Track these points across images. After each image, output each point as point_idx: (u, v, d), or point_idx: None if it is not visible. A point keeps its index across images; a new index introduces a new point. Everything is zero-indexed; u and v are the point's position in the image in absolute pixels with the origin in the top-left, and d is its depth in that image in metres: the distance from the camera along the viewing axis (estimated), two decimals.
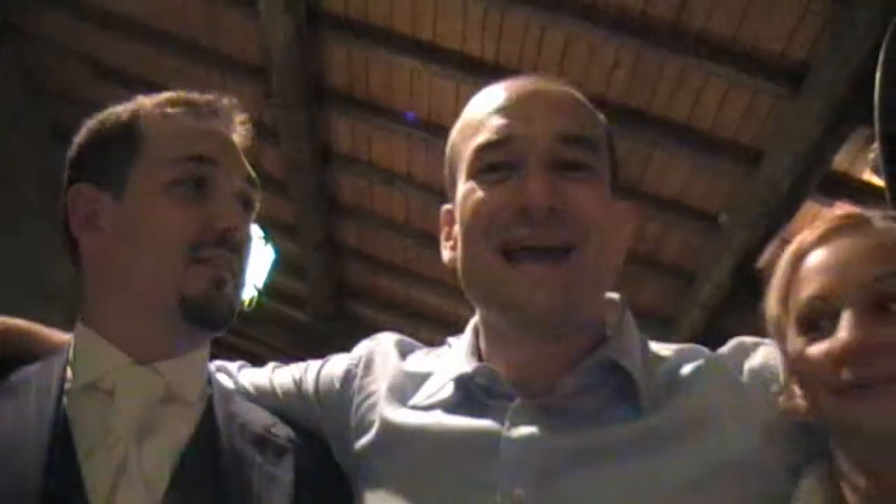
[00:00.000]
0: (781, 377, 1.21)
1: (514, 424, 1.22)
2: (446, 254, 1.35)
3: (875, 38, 2.94)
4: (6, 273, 5.27)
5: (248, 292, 5.72)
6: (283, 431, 1.38)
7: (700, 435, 1.19)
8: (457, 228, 1.30)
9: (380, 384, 1.39)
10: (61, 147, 1.45)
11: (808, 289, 1.15)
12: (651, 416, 1.21)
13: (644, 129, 4.25)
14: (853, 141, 3.69)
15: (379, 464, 1.32)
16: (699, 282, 4.96)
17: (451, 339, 1.42)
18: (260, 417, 1.39)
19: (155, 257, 1.30)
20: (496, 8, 4.11)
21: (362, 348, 1.49)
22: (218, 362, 1.49)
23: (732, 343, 1.31)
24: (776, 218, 4.14)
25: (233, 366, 1.55)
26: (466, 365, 1.30)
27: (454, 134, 1.35)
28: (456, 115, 1.37)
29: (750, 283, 4.49)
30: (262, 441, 1.34)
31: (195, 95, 1.41)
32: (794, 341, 1.16)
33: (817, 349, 1.12)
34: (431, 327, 6.44)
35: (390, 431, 1.33)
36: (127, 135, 1.35)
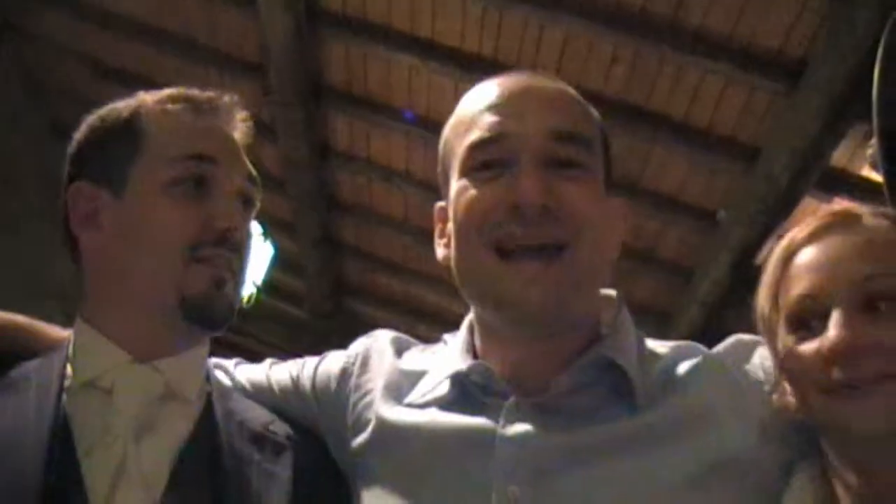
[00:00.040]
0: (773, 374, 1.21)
1: (509, 422, 1.22)
2: (440, 251, 1.35)
3: (873, 34, 2.95)
4: (6, 273, 5.27)
5: (247, 289, 5.72)
6: (281, 429, 1.38)
7: (696, 432, 1.19)
8: (450, 226, 1.30)
9: (376, 382, 1.39)
10: (61, 146, 1.43)
11: (798, 287, 1.15)
12: (647, 414, 1.21)
13: (642, 125, 4.25)
14: (851, 137, 3.69)
15: (375, 462, 1.32)
16: (697, 278, 4.96)
17: (446, 336, 1.42)
18: (258, 415, 1.39)
19: (155, 257, 1.29)
20: (495, 6, 4.11)
21: (359, 345, 1.49)
22: (215, 359, 1.48)
23: (730, 340, 1.31)
24: (774, 214, 4.14)
25: (229, 362, 1.55)
26: (461, 362, 1.30)
27: (447, 131, 1.35)
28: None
29: (748, 280, 4.49)
30: (261, 438, 1.33)
31: (196, 92, 1.40)
32: (785, 339, 1.16)
33: (807, 348, 1.12)
34: (430, 324, 6.44)
35: (386, 429, 1.33)
36: (128, 132, 1.34)
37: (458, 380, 1.30)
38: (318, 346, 1.59)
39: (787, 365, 1.16)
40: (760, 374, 1.24)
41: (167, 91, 1.40)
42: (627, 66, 4.05)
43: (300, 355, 1.54)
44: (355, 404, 1.39)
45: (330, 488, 1.36)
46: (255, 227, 1.43)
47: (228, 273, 1.32)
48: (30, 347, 1.37)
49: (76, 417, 1.25)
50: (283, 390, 1.48)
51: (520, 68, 1.41)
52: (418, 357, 1.42)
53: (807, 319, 1.13)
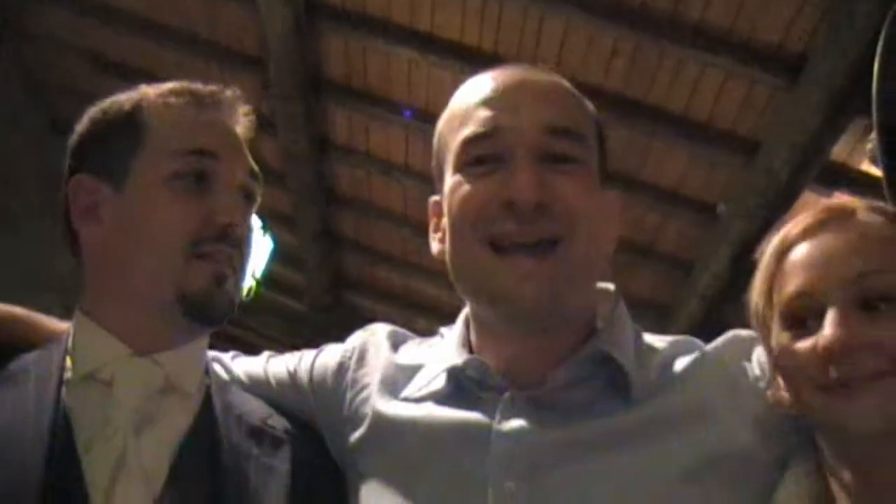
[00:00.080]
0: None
1: (505, 417, 1.22)
2: (435, 246, 1.34)
3: (873, 28, 2.95)
4: (6, 273, 5.25)
5: (247, 283, 5.74)
6: (279, 423, 1.38)
7: (693, 427, 1.19)
8: (445, 221, 1.29)
9: (373, 376, 1.39)
10: (62, 142, 1.42)
11: (792, 284, 1.14)
12: (643, 408, 1.21)
13: (642, 119, 4.25)
14: (851, 131, 3.69)
15: (371, 456, 1.32)
16: (697, 272, 4.96)
17: (443, 329, 1.42)
18: (256, 408, 1.39)
19: (155, 254, 1.29)
20: None
21: (356, 339, 1.48)
22: (212, 352, 1.48)
23: (727, 335, 1.31)
24: (774, 208, 4.14)
25: (226, 355, 1.54)
26: (457, 357, 1.30)
27: (441, 124, 1.34)
28: None
29: (748, 274, 4.48)
30: (259, 432, 1.34)
31: (199, 86, 1.39)
32: (779, 335, 1.15)
33: (802, 346, 1.11)
34: (429, 318, 6.44)
35: (382, 424, 1.33)
36: (129, 124, 1.33)
37: (453, 374, 1.29)
38: (317, 340, 1.59)
39: (781, 362, 1.15)
40: (757, 370, 1.24)
41: (170, 84, 1.39)
42: (627, 59, 4.05)
43: (299, 348, 1.54)
44: (352, 399, 1.39)
45: (328, 482, 1.36)
46: (255, 221, 1.42)
47: (229, 269, 1.32)
48: (28, 339, 1.37)
49: (76, 410, 1.24)
50: (280, 384, 1.48)
51: (520, 61, 1.39)
52: (415, 351, 1.42)
53: (802, 317, 1.13)
